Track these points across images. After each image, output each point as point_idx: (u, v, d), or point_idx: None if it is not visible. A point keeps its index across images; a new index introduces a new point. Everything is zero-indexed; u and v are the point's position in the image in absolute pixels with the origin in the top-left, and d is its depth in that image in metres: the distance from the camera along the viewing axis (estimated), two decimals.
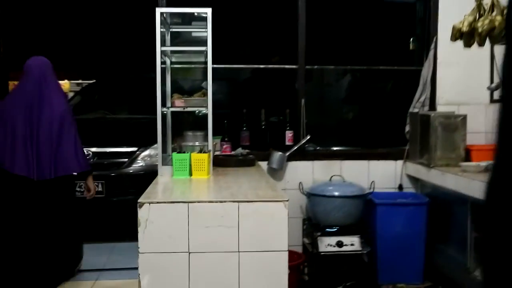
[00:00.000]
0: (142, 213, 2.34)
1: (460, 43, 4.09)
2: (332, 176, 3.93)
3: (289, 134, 4.15)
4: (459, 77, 4.21)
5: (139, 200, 2.36)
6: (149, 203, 2.35)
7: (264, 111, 4.20)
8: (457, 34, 3.04)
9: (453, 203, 3.63)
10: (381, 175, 4.19)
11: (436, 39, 4.17)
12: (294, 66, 4.22)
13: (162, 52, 3.54)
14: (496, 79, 3.86)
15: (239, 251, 2.38)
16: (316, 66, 4.42)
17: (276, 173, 4.10)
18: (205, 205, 2.38)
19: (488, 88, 3.88)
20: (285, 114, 4.21)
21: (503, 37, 3.02)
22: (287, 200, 2.41)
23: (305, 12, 4.16)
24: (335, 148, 4.61)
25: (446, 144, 3.74)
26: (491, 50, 3.87)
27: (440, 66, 4.21)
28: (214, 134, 4.01)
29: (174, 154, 3.12)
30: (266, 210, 2.40)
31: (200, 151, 3.21)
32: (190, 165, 3.11)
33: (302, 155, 4.15)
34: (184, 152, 3.18)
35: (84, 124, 5.69)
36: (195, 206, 2.37)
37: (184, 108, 3.32)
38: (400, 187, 4.21)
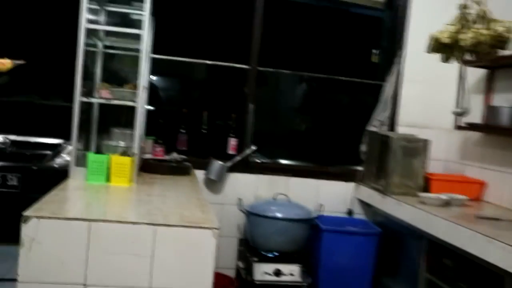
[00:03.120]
0: (27, 230, 1.81)
1: (429, 59, 3.76)
2: (276, 194, 3.48)
3: (232, 142, 3.67)
4: (423, 97, 3.86)
5: (24, 213, 1.83)
6: (38, 217, 1.82)
7: (207, 113, 3.71)
8: (434, 46, 2.64)
9: (407, 236, 3.26)
10: (330, 196, 3.78)
11: (403, 53, 3.80)
12: (245, 66, 3.75)
13: (91, 33, 3.01)
14: (463, 103, 3.52)
15: (151, 287, 1.88)
16: (270, 69, 3.97)
17: (214, 185, 3.61)
18: (111, 226, 1.86)
19: (454, 112, 3.53)
20: (231, 119, 3.72)
21: (487, 54, 2.66)
22: (217, 228, 1.93)
23: (262, 11, 3.71)
24: (282, 162, 4.17)
25: (405, 170, 3.36)
26: (460, 70, 3.53)
27: (404, 83, 3.85)
28: (148, 135, 3.53)
29: (90, 154, 2.59)
30: (189, 238, 1.92)
31: (124, 154, 2.69)
32: (109, 169, 2.59)
33: (245, 167, 3.68)
34: (101, 153, 2.66)
35: (6, 108, 5.03)
36: (99, 227, 1.85)
37: (107, 100, 2.79)
38: (350, 212, 3.81)
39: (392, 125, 3.85)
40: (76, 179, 2.61)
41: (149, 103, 4.11)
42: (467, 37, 2.44)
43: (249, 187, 3.66)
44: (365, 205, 3.79)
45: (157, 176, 3.02)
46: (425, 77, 3.82)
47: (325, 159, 4.34)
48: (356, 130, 3.98)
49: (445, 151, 3.85)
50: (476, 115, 3.53)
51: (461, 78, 3.54)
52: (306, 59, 4.69)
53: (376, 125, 3.80)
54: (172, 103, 4.81)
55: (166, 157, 3.42)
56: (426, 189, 3.40)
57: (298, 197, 3.59)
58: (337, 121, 4.93)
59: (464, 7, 2.53)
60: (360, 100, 4.67)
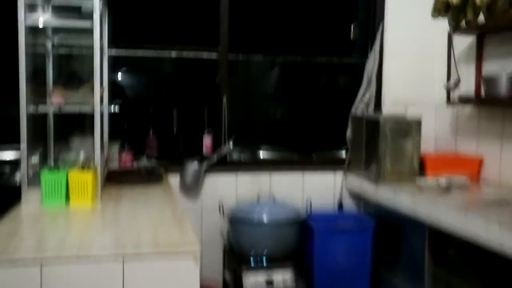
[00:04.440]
0: None
1: (410, 29, 3.51)
2: (260, 194, 3.17)
3: (207, 139, 3.34)
4: (407, 71, 3.58)
5: None
6: None
7: (177, 110, 3.36)
8: (441, 8, 2.32)
9: (405, 226, 2.99)
10: (318, 189, 3.49)
11: (383, 25, 3.51)
12: (214, 55, 3.40)
13: (36, 31, 2.65)
14: (454, 75, 3.25)
15: None
16: (241, 54, 3.63)
17: (190, 189, 3.28)
18: (68, 265, 1.52)
19: (446, 86, 3.26)
20: (203, 115, 3.38)
21: (504, 13, 2.29)
22: (197, 250, 1.62)
23: None
24: (263, 156, 3.86)
25: (397, 154, 3.08)
26: (448, 39, 3.25)
27: (386, 58, 3.55)
28: (114, 139, 3.18)
29: (44, 172, 2.24)
30: (166, 268, 1.59)
31: (85, 167, 2.34)
32: (68, 187, 2.24)
33: (223, 166, 3.36)
34: (58, 169, 2.30)
35: None
36: (53, 269, 1.51)
37: (60, 109, 2.43)
38: (340, 204, 3.53)
39: (377, 105, 3.57)
40: (29, 203, 2.25)
41: (114, 104, 3.76)
42: None
43: (229, 188, 3.34)
44: (356, 195, 3.51)
45: (126, 187, 2.68)
46: (408, 50, 3.55)
47: (308, 147, 4.04)
48: (339, 113, 3.69)
49: (435, 128, 3.59)
50: (466, 87, 3.27)
51: (451, 46, 3.25)
52: (278, 41, 4.35)
53: (361, 107, 3.51)
54: (139, 101, 4.43)
55: (135, 164, 3.07)
56: (421, 171, 3.14)
57: (283, 194, 3.30)
58: (317, 105, 4.63)
59: None
60: (340, 81, 4.38)
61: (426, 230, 2.74)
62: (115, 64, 3.55)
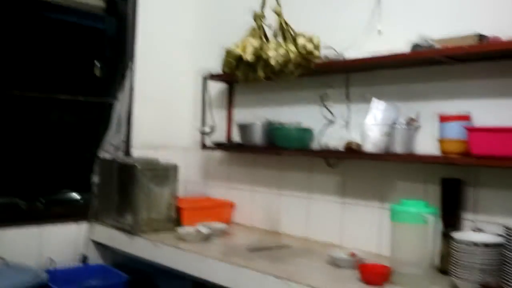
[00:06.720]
0: None
1: (161, 72, 3.42)
2: None
3: None
4: (158, 115, 3.44)
5: None
6: None
7: None
8: (232, 64, 2.16)
9: (164, 277, 2.77)
10: (60, 244, 3.00)
11: (133, 65, 3.30)
12: None
13: None
14: (210, 121, 3.23)
15: None
16: None
17: None
18: None
19: (200, 131, 3.21)
20: None
21: (291, 72, 2.25)
22: None
23: None
24: None
25: (153, 202, 2.86)
26: (203, 85, 3.22)
27: (136, 100, 3.33)
28: None
29: None
30: None
31: None
32: None
33: None
34: None
35: None
36: None
37: None
38: (85, 259, 3.09)
39: (127, 149, 3.30)
40: None
41: None
42: (277, 54, 2.03)
43: None
44: (105, 247, 3.12)
45: None
46: (158, 92, 3.42)
47: (34, 191, 3.46)
48: (80, 154, 3.30)
49: (186, 172, 3.48)
50: (220, 132, 3.28)
51: (204, 92, 3.22)
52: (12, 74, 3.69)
53: (109, 150, 3.19)
54: None
55: None
56: (177, 220, 2.97)
57: (16, 254, 2.72)
58: (47, 144, 4.06)
59: (260, 17, 2.12)
60: (81, 118, 3.94)
61: (189, 282, 2.57)
62: None
